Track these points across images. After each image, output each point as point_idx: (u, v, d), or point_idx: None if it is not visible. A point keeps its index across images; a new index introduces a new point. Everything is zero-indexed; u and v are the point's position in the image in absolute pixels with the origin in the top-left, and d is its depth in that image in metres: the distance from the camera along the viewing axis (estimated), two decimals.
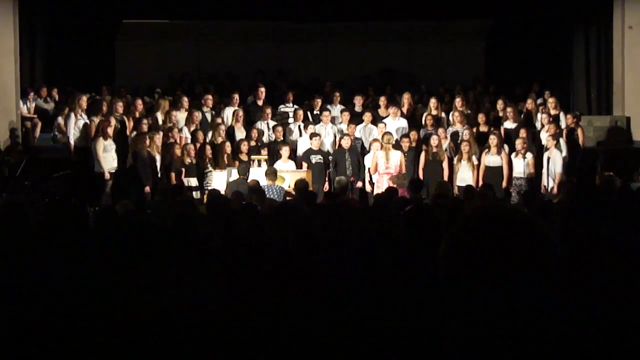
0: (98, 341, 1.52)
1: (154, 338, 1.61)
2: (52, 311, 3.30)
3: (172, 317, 1.56)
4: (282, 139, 14.89)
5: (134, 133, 14.57)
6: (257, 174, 13.01)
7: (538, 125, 15.54)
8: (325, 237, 5.86)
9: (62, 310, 3.26)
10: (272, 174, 12.56)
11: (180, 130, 14.73)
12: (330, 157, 14.59)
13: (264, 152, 14.64)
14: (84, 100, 15.08)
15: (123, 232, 5.78)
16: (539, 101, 16.87)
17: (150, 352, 1.61)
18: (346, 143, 14.44)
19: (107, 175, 13.73)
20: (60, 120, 15.54)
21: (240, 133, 15.09)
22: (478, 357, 1.61)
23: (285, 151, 14.14)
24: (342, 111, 15.91)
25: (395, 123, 15.42)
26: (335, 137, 15.21)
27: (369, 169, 14.33)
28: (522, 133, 14.56)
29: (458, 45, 21.06)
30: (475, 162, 14.19)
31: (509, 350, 1.59)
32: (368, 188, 14.26)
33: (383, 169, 13.94)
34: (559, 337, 1.63)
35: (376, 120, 15.53)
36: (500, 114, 15.97)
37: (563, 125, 15.38)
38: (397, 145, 14.34)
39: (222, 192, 11.42)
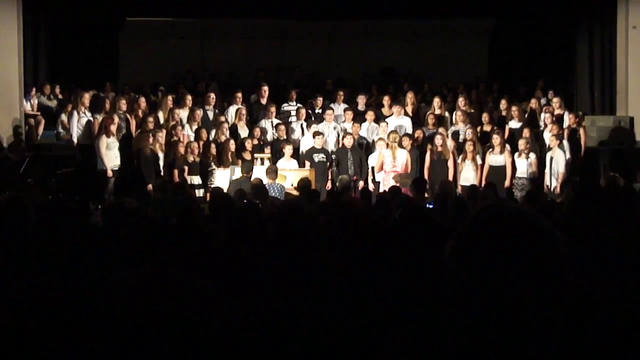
0: (94, 338, 1.52)
1: (153, 337, 1.61)
2: (52, 308, 3.30)
3: (173, 315, 1.56)
4: (284, 137, 14.90)
5: (138, 131, 14.58)
6: (260, 172, 13.02)
7: (542, 124, 15.51)
8: (328, 236, 5.85)
9: (61, 308, 3.26)
10: (272, 172, 12.57)
11: (182, 128, 14.74)
12: (332, 156, 14.57)
13: (267, 150, 14.65)
14: (87, 98, 15.11)
15: (127, 229, 5.76)
16: (543, 101, 16.84)
17: (149, 351, 1.60)
18: (349, 142, 14.42)
19: (110, 173, 13.72)
20: (64, 117, 15.55)
21: (243, 131, 15.10)
22: (482, 357, 1.60)
23: (288, 150, 14.14)
24: (345, 110, 15.89)
25: (398, 122, 15.38)
26: (338, 135, 15.18)
27: (372, 167, 14.30)
28: (525, 133, 14.54)
29: (461, 44, 21.03)
30: (479, 162, 14.17)
31: (513, 351, 1.59)
32: (371, 187, 14.22)
33: (390, 167, 13.92)
34: (562, 336, 1.62)
35: (379, 119, 15.51)
36: (504, 113, 15.95)
37: (566, 125, 15.35)
38: (401, 144, 14.31)
39: (225, 190, 11.41)
